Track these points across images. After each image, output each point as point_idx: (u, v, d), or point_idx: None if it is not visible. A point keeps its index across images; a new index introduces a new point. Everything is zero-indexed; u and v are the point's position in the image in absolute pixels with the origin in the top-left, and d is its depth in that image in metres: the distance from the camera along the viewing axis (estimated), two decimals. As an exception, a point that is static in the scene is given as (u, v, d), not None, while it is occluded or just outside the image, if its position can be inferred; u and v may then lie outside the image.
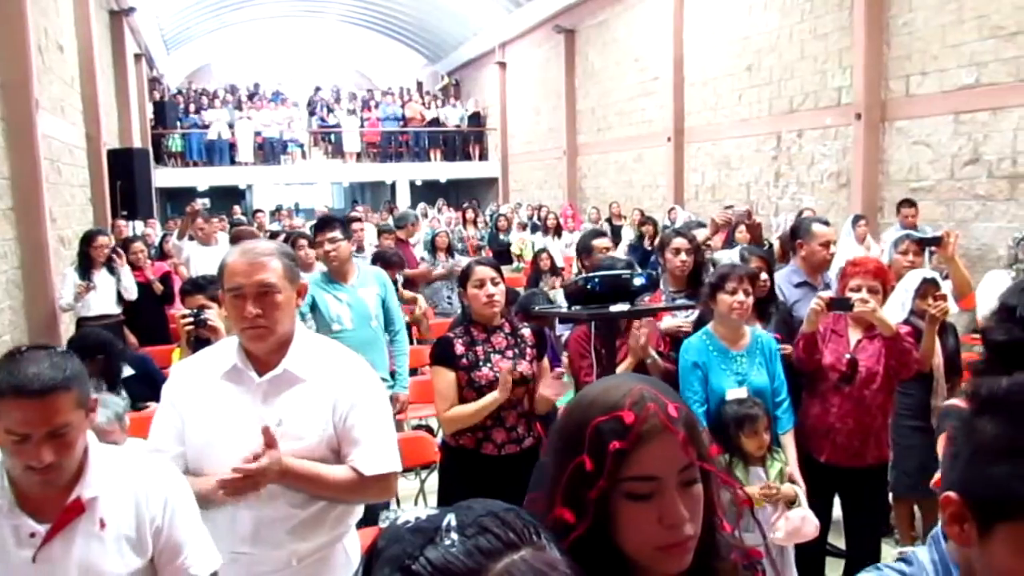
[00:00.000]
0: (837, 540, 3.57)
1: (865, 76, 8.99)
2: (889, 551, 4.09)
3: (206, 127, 19.30)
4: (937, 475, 1.67)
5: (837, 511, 3.52)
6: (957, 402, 1.74)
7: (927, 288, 3.71)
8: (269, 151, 19.81)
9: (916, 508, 4.19)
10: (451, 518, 0.74)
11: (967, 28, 7.86)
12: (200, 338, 3.12)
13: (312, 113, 21.50)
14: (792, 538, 3.04)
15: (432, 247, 8.10)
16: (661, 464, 1.00)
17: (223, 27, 23.88)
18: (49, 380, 1.54)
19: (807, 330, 3.28)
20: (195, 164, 19.22)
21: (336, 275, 4.26)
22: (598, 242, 4.68)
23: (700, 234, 5.16)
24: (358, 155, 20.66)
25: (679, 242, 4.02)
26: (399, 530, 0.75)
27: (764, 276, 4.04)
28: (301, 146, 20.67)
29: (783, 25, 10.52)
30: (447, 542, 0.72)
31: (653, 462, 0.99)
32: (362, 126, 20.69)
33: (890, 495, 4.20)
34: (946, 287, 4.01)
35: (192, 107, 20.07)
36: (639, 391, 1.02)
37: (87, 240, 6.32)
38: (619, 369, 3.49)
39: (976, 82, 7.82)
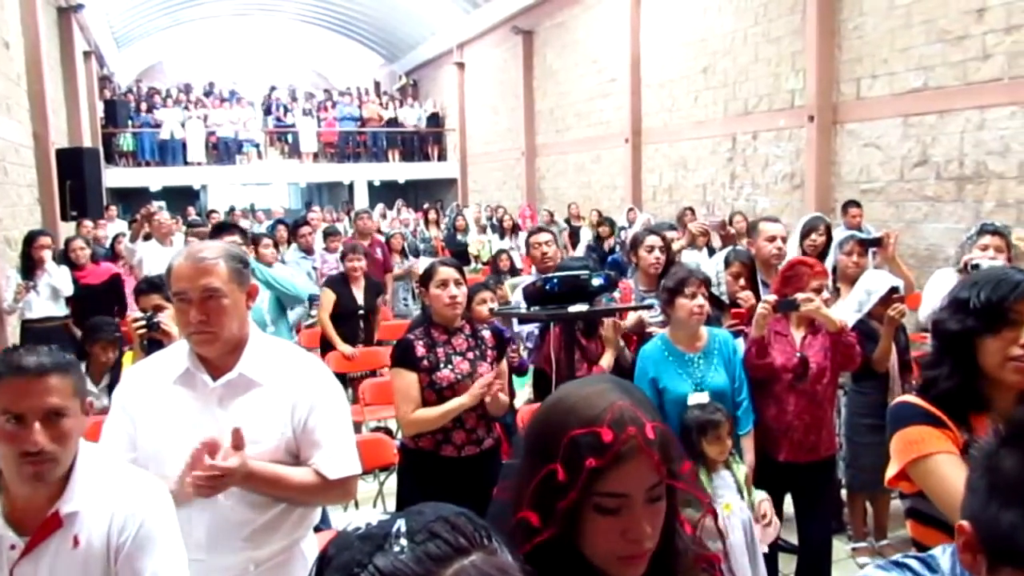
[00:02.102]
0: (789, 536, 3.63)
1: (817, 79, 9.17)
2: (841, 546, 4.17)
3: (158, 126, 18.93)
4: (890, 473, 1.71)
5: (788, 508, 3.58)
6: (909, 398, 1.77)
7: (892, 297, 3.80)
8: (224, 151, 19.50)
9: (868, 504, 4.28)
10: (401, 524, 0.73)
11: (915, 32, 8.06)
12: (153, 341, 3.05)
13: (268, 112, 21.23)
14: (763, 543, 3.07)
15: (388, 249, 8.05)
16: (632, 483, 1.01)
17: (175, 24, 23.44)
18: (47, 361, 1.56)
19: (756, 335, 3.30)
20: (147, 164, 18.84)
21: None
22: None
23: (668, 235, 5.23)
24: (315, 155, 20.46)
25: (652, 240, 4.04)
26: (349, 537, 0.74)
27: (742, 282, 4.11)
28: (257, 146, 20.39)
29: (737, 28, 10.67)
30: (396, 549, 0.71)
31: (624, 480, 1.00)
32: (319, 126, 20.48)
33: (844, 492, 4.31)
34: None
35: (144, 106, 19.66)
36: (619, 408, 1.02)
37: (29, 241, 6.18)
38: (602, 361, 3.51)
39: (924, 85, 8.03)
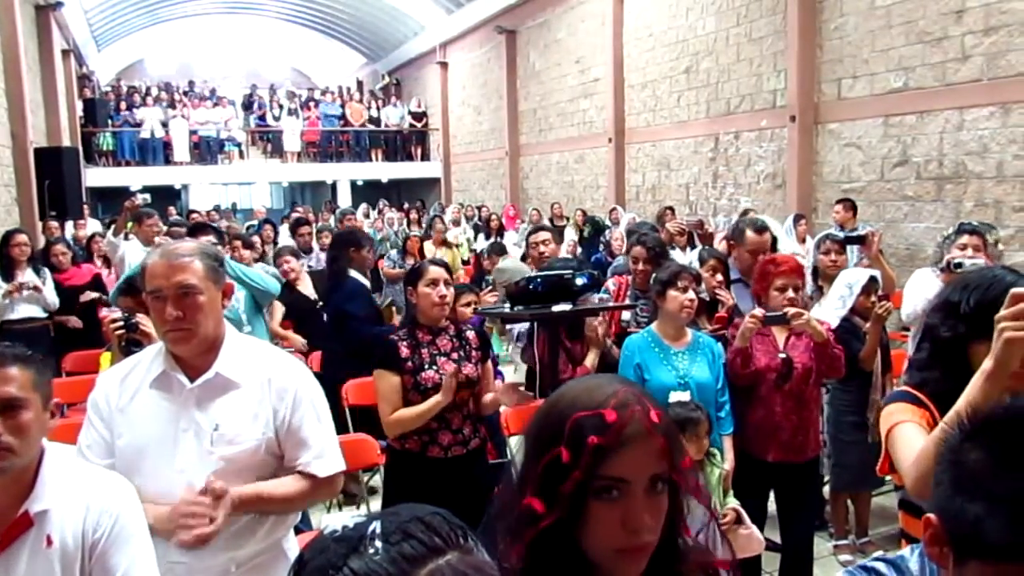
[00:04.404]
0: (772, 534, 3.65)
1: (799, 79, 9.22)
2: (823, 544, 4.20)
3: (138, 125, 18.75)
4: (882, 460, 1.73)
5: (771, 506, 3.60)
6: (904, 387, 1.79)
7: (870, 286, 3.84)
8: (205, 150, 19.35)
9: (850, 502, 4.31)
10: (376, 525, 0.73)
11: (895, 33, 8.13)
12: (132, 341, 3.01)
13: (249, 111, 21.08)
14: (738, 555, 3.08)
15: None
16: (634, 468, 1.00)
17: (156, 23, 23.26)
18: (6, 352, 1.57)
19: (740, 345, 3.31)
20: (127, 163, 18.66)
21: None
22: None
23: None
24: (298, 155, 20.35)
25: (637, 251, 4.04)
26: (325, 540, 0.75)
27: (719, 278, 4.13)
28: (238, 145, 20.25)
29: (720, 29, 10.72)
30: (371, 551, 0.71)
31: (627, 465, 0.99)
32: (302, 125, 20.37)
33: (826, 490, 4.34)
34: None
35: (124, 105, 19.46)
36: (624, 393, 1.03)
37: (5, 240, 6.11)
38: (586, 361, 3.51)
39: (904, 86, 8.09)
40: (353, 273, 4.98)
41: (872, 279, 3.91)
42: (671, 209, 9.28)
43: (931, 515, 0.94)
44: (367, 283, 5.04)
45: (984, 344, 1.62)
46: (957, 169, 7.59)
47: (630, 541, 1.00)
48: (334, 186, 21.49)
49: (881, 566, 1.01)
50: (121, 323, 3.02)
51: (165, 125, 18.86)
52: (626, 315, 3.84)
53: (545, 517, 0.99)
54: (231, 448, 1.88)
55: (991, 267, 2.13)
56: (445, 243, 9.22)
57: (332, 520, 0.79)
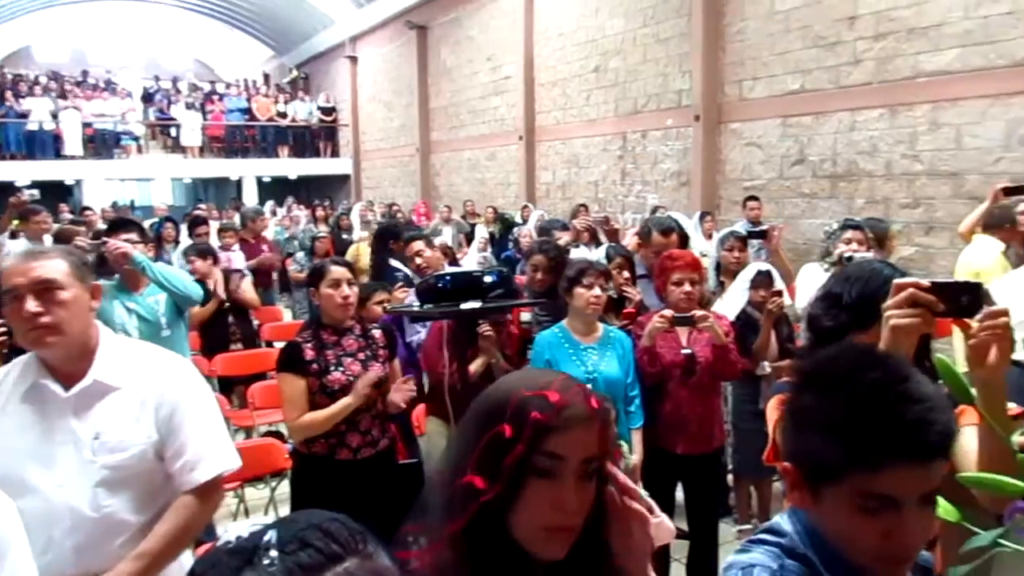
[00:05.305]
0: (680, 523, 3.74)
1: (703, 80, 9.48)
2: (728, 529, 4.34)
3: (24, 116, 17.72)
4: (769, 448, 1.78)
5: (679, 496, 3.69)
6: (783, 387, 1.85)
7: (761, 280, 3.99)
8: (101, 144, 18.45)
9: (753, 488, 4.47)
10: (271, 535, 0.71)
11: (792, 37, 8.45)
12: (16, 350, 2.84)
13: (150, 103, 20.21)
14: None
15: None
16: (571, 447, 1.03)
17: (45, 6, 22.06)
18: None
19: (647, 344, 3.39)
20: (13, 157, 17.60)
21: (127, 282, 3.92)
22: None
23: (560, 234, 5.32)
24: (201, 150, 19.64)
25: (537, 260, 4.07)
26: (218, 553, 0.71)
27: (626, 274, 4.19)
28: (137, 139, 19.37)
29: (628, 29, 10.91)
30: (266, 562, 0.68)
31: (566, 443, 1.03)
32: (205, 119, 19.67)
33: (730, 478, 4.49)
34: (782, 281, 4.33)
35: (8, 94, 18.36)
36: (566, 378, 1.08)
37: None
38: (471, 366, 3.49)
39: (801, 88, 8.43)
40: (393, 262, 5.41)
41: (759, 273, 4.07)
42: (584, 206, 9.40)
43: (786, 464, 1.05)
44: (409, 272, 5.21)
45: (864, 334, 1.69)
46: (850, 168, 7.96)
47: (556, 519, 1.03)
48: (239, 183, 20.82)
49: (765, 535, 1.08)
50: (4, 330, 2.85)
51: (55, 116, 17.88)
52: (527, 316, 3.86)
53: (486, 492, 1.02)
54: (115, 456, 1.79)
55: (871, 260, 2.23)
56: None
57: (236, 528, 0.74)
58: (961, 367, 1.36)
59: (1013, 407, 1.48)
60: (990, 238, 4.78)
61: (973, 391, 1.26)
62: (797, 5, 8.35)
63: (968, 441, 1.67)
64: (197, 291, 4.24)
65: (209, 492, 1.92)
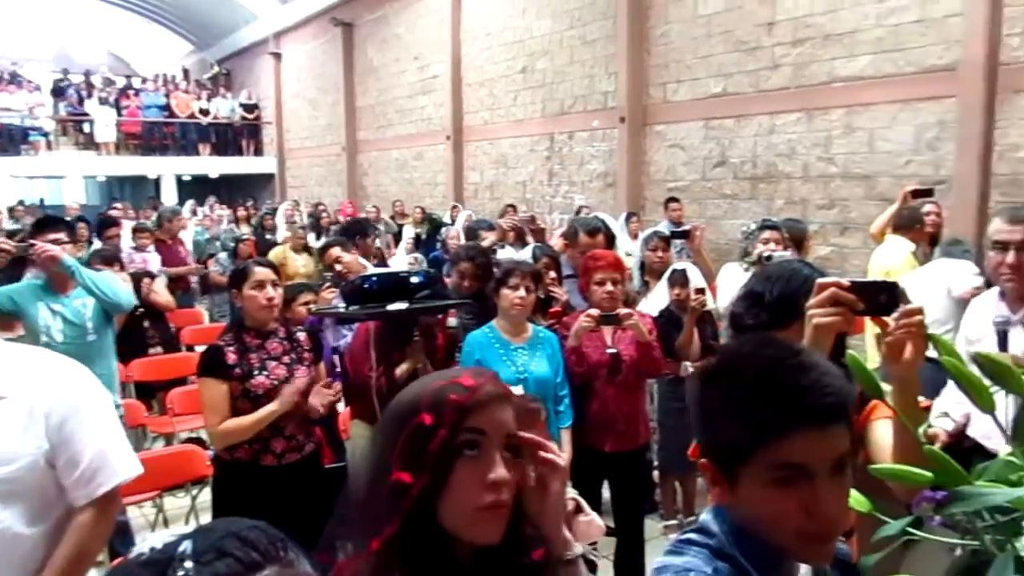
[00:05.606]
0: (606, 520, 3.79)
1: (628, 82, 9.62)
2: (655, 525, 4.41)
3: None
4: (693, 445, 1.81)
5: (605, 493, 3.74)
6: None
7: (677, 279, 4.10)
8: (7, 139, 17.56)
9: (678, 484, 4.55)
10: (186, 545, 0.68)
11: (715, 42, 8.65)
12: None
13: (61, 98, 19.34)
14: (580, 541, 3.16)
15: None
16: (492, 423, 1.07)
17: (-56, -3, 20.92)
18: None
19: (574, 344, 3.43)
20: (-91, 153, 16.65)
21: (54, 283, 3.78)
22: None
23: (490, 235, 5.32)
24: (116, 147, 18.90)
25: (464, 267, 4.06)
26: (130, 565, 0.68)
27: (552, 274, 4.21)
28: (46, 135, 18.52)
29: (555, 30, 10.99)
30: (180, 573, 0.66)
31: (486, 419, 1.06)
32: (120, 115, 18.93)
33: (656, 473, 4.57)
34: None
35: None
36: (478, 367, 1.10)
37: None
38: (398, 369, 3.46)
39: (723, 91, 8.64)
40: (360, 260, 5.31)
41: (675, 272, 4.17)
42: (512, 207, 9.43)
43: (703, 460, 1.08)
44: (371, 267, 5.30)
45: (785, 331, 1.74)
46: (769, 170, 8.20)
47: (490, 497, 1.04)
48: (158, 181, 20.13)
49: (693, 535, 1.09)
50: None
51: (-43, 111, 17.00)
52: (453, 322, 3.86)
53: (414, 485, 1.03)
54: (3, 468, 1.70)
55: (791, 260, 2.30)
56: (306, 248, 8.04)
57: (152, 539, 0.71)
58: (872, 363, 1.41)
59: (924, 401, 1.54)
60: (900, 238, 4.98)
61: (883, 386, 1.31)
62: (719, 10, 8.55)
63: (881, 434, 1.73)
64: (129, 300, 4.09)
65: (108, 504, 1.82)
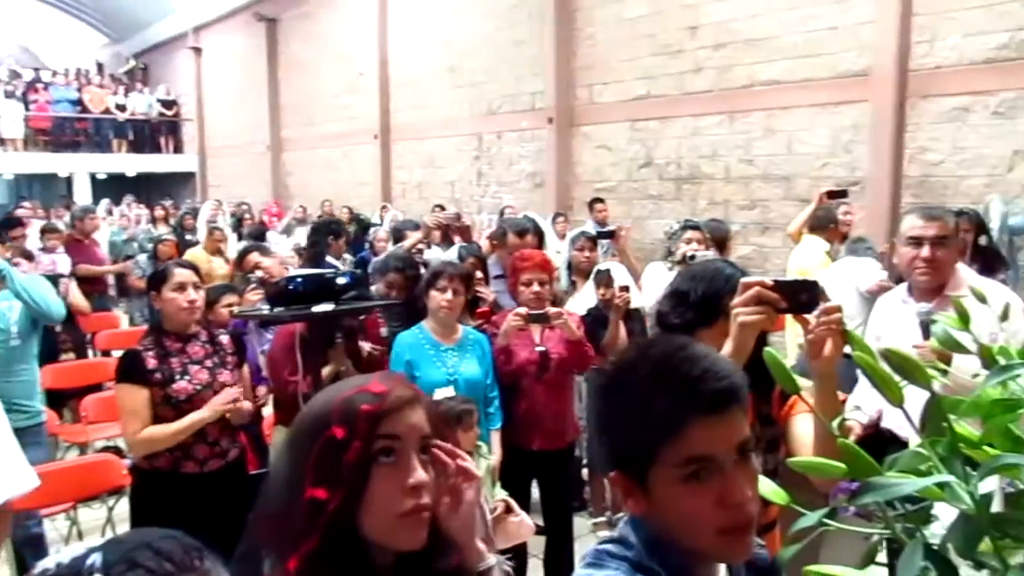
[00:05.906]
0: (536, 519, 3.81)
1: (556, 83, 9.71)
2: (583, 522, 4.46)
3: None
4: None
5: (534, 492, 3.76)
6: None
7: (601, 278, 4.17)
8: (-96, 135, 16.62)
9: (606, 482, 4.60)
10: (95, 558, 0.66)
11: (639, 45, 8.80)
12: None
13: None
14: (511, 542, 3.17)
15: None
16: (406, 426, 1.05)
17: None
18: None
19: (503, 343, 3.45)
20: None
21: None
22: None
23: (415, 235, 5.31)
24: (24, 143, 18.03)
25: (392, 278, 4.04)
26: None
27: (479, 274, 4.21)
28: (-52, 130, 17.57)
29: (484, 30, 10.99)
30: None
31: (399, 423, 1.04)
32: (27, 110, 18.06)
33: (585, 471, 4.61)
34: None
35: None
36: (386, 371, 1.07)
37: None
38: (324, 370, 3.41)
39: (648, 93, 8.79)
40: (329, 259, 5.41)
41: (599, 272, 4.24)
42: (441, 207, 9.39)
43: (611, 474, 1.07)
44: (342, 268, 5.34)
45: (708, 330, 1.78)
46: (693, 171, 8.38)
47: (410, 502, 1.02)
48: (70, 180, 19.30)
49: (610, 547, 1.08)
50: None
51: None
52: (384, 332, 3.83)
53: (331, 500, 1.00)
54: None
55: (714, 260, 2.35)
56: (220, 251, 7.53)
57: (63, 553, 0.69)
58: (789, 360, 1.45)
59: (841, 395, 1.59)
60: (816, 238, 5.17)
61: (801, 381, 1.35)
62: (644, 13, 8.70)
63: (802, 429, 1.79)
64: (60, 311, 3.93)
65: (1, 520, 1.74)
